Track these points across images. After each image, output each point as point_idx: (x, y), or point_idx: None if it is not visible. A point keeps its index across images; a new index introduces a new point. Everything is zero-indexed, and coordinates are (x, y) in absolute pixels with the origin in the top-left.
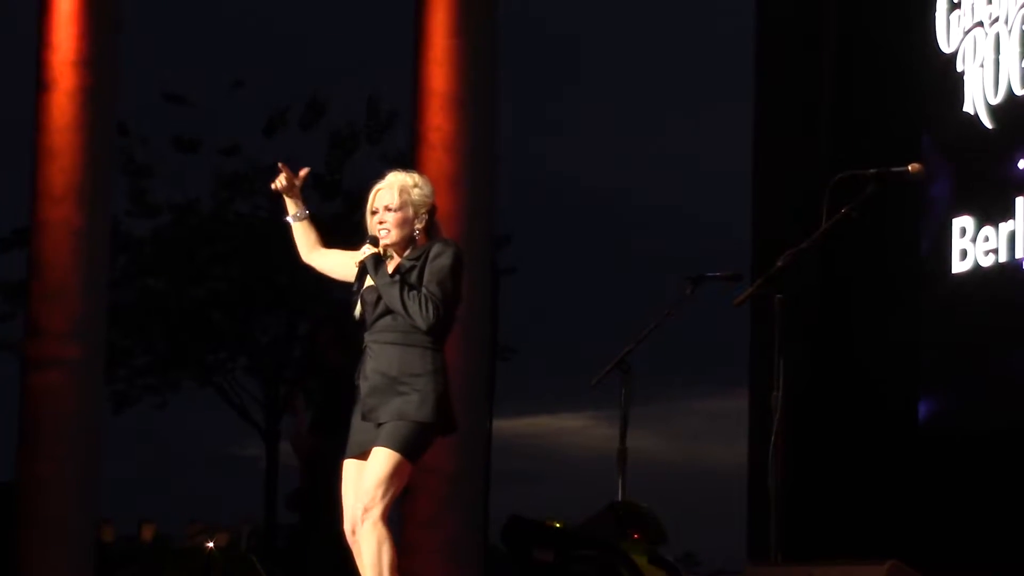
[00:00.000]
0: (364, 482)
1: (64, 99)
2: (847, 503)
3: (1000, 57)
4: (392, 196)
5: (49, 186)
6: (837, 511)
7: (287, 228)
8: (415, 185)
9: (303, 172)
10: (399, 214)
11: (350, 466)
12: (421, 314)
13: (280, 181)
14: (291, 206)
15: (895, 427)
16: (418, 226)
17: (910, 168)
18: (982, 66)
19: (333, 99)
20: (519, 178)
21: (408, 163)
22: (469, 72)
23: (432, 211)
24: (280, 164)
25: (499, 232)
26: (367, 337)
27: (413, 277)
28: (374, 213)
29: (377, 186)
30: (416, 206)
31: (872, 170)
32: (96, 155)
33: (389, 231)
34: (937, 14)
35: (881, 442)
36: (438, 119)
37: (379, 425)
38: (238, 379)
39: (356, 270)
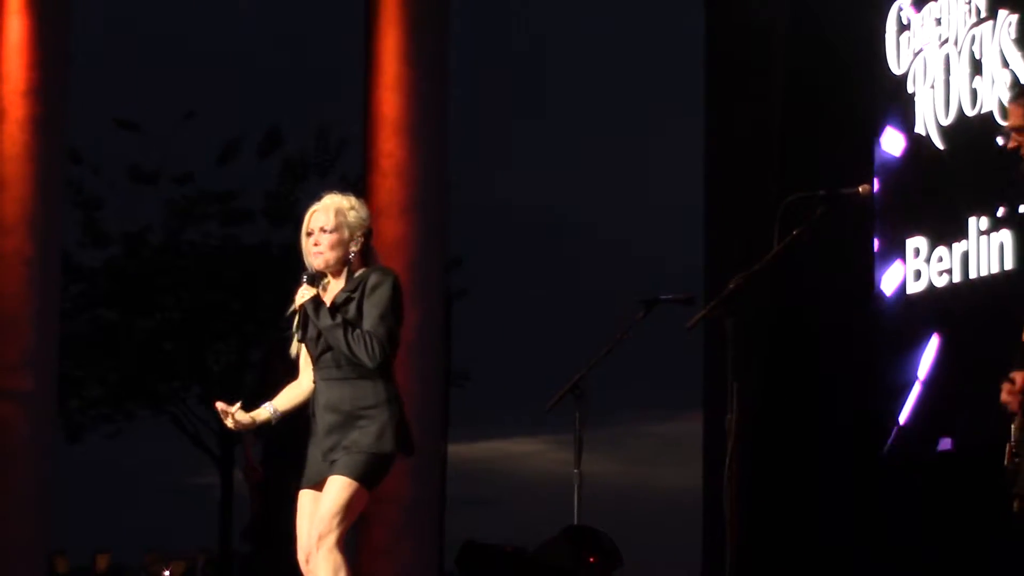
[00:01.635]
0: (320, 509)
1: (14, 128)
2: (802, 528)
3: (951, 78)
4: (328, 218)
5: (0, 217)
6: (792, 536)
7: (241, 258)
8: (351, 207)
9: (233, 409)
10: (334, 236)
11: (306, 496)
12: (368, 354)
13: (231, 423)
14: (264, 416)
15: (851, 450)
16: (353, 249)
17: (860, 189)
18: (932, 87)
19: (284, 126)
20: (470, 202)
21: (360, 189)
22: (421, 98)
23: (368, 234)
24: (217, 406)
25: (450, 254)
26: (315, 372)
27: (351, 309)
28: (309, 235)
29: (313, 207)
30: (352, 228)
31: (822, 192)
32: (47, 185)
33: (323, 252)
34: (887, 35)
35: (837, 466)
36: (389, 145)
37: (334, 461)
38: (191, 408)
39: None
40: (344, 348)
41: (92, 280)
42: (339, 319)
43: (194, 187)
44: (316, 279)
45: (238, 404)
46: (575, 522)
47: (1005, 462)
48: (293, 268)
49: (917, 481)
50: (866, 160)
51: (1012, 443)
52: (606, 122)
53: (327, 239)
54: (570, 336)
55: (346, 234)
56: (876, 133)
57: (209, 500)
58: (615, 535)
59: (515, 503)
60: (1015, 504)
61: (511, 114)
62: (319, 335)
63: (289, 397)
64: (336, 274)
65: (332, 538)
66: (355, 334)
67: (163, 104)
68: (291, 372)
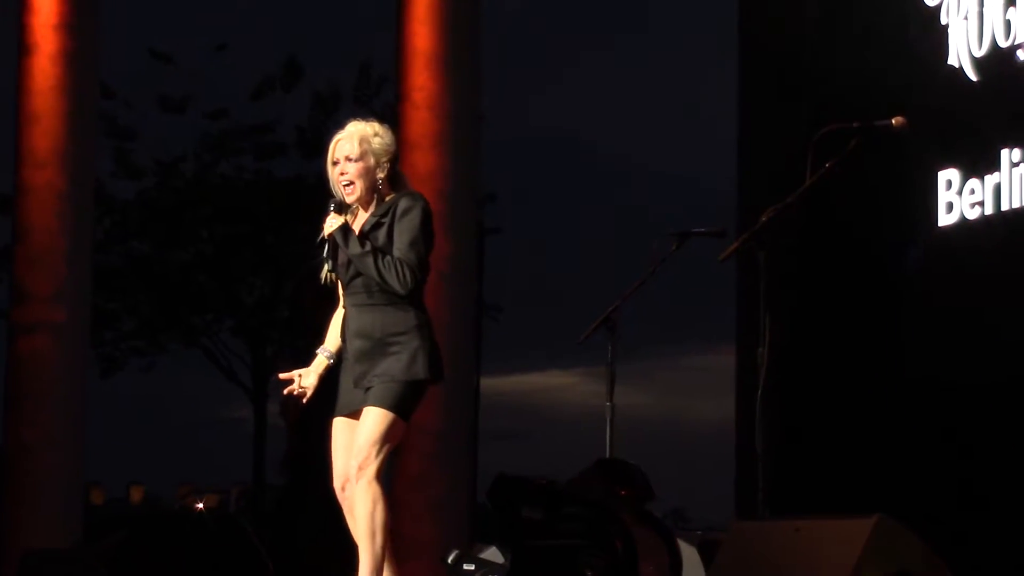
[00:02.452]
0: (357, 440)
1: (46, 62)
2: (834, 458)
3: (984, 9)
4: (352, 146)
5: (32, 150)
6: (824, 466)
7: (274, 191)
8: (375, 134)
9: (295, 374)
10: (360, 164)
11: (339, 424)
12: (399, 281)
13: (299, 388)
14: (324, 365)
15: (882, 381)
16: (380, 175)
17: (893, 122)
18: (966, 18)
19: (314, 60)
20: (505, 136)
21: (392, 122)
22: (453, 31)
23: (394, 160)
24: (280, 376)
25: (483, 191)
26: (345, 299)
27: (381, 235)
28: (335, 164)
29: (337, 136)
30: (377, 155)
31: (856, 124)
32: (79, 118)
33: (352, 183)
34: None
35: (868, 396)
36: (422, 78)
37: (368, 389)
38: (224, 341)
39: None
40: (375, 275)
41: (125, 212)
42: (368, 246)
43: (228, 121)
44: (344, 207)
45: (297, 372)
46: (607, 455)
47: None
48: (325, 201)
49: (948, 409)
50: (899, 93)
51: None
52: (640, 52)
53: (353, 168)
54: (603, 269)
55: (372, 161)
56: (909, 65)
57: (242, 433)
58: (647, 468)
59: (547, 436)
60: None
61: (545, 42)
62: (349, 262)
63: (336, 334)
64: (366, 202)
65: (371, 469)
66: (385, 261)
67: (195, 36)
68: (321, 304)
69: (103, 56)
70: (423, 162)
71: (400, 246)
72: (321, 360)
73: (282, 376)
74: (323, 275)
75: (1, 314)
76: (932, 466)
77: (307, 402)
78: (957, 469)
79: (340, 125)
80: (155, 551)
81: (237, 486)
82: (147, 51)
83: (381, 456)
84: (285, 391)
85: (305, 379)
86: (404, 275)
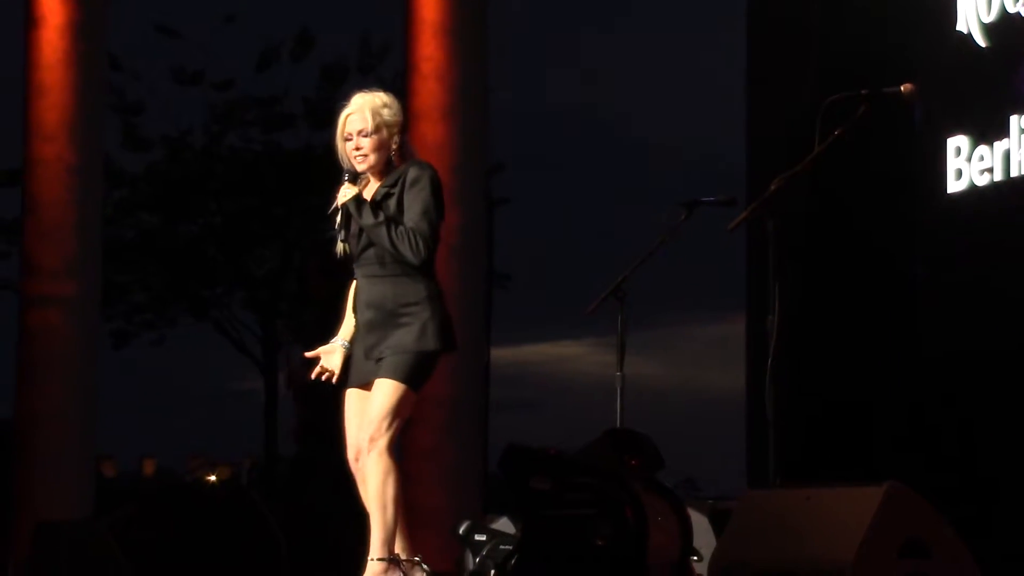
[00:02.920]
0: (369, 412)
1: (53, 35)
2: (845, 426)
3: None
4: (364, 120)
5: (41, 123)
6: (835, 434)
7: (282, 163)
8: (384, 105)
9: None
10: (374, 138)
11: (351, 395)
12: (412, 251)
13: (324, 371)
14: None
15: (892, 348)
16: (394, 146)
17: (902, 88)
18: None
19: (323, 30)
20: (514, 107)
21: (400, 92)
22: (461, 1)
23: (403, 129)
24: (306, 355)
25: (492, 160)
26: (356, 269)
27: (391, 204)
28: (347, 139)
29: (346, 111)
30: (390, 127)
31: (864, 91)
32: (87, 91)
33: (367, 156)
34: None
35: (878, 364)
36: (430, 48)
37: (380, 360)
38: (235, 313)
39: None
40: (388, 245)
41: (134, 185)
42: (382, 217)
43: (235, 91)
44: (357, 177)
45: (323, 350)
46: (617, 425)
47: None
48: (334, 173)
49: (960, 376)
50: (908, 60)
51: None
52: (647, 19)
53: (368, 142)
54: (612, 239)
55: (385, 134)
56: (918, 31)
57: (253, 405)
58: (658, 438)
59: (558, 406)
60: None
61: (550, 12)
62: (361, 232)
63: (349, 324)
64: (378, 172)
65: (383, 441)
66: (399, 231)
67: (202, 8)
68: (327, 278)
69: (111, 28)
70: (431, 133)
71: (411, 216)
72: (339, 349)
73: (308, 355)
74: (339, 248)
75: (12, 287)
76: (943, 433)
77: (320, 377)
78: (969, 436)
79: (347, 97)
80: (167, 524)
81: (248, 458)
82: (153, 27)
83: (393, 428)
84: (313, 374)
85: (329, 360)
86: (417, 244)
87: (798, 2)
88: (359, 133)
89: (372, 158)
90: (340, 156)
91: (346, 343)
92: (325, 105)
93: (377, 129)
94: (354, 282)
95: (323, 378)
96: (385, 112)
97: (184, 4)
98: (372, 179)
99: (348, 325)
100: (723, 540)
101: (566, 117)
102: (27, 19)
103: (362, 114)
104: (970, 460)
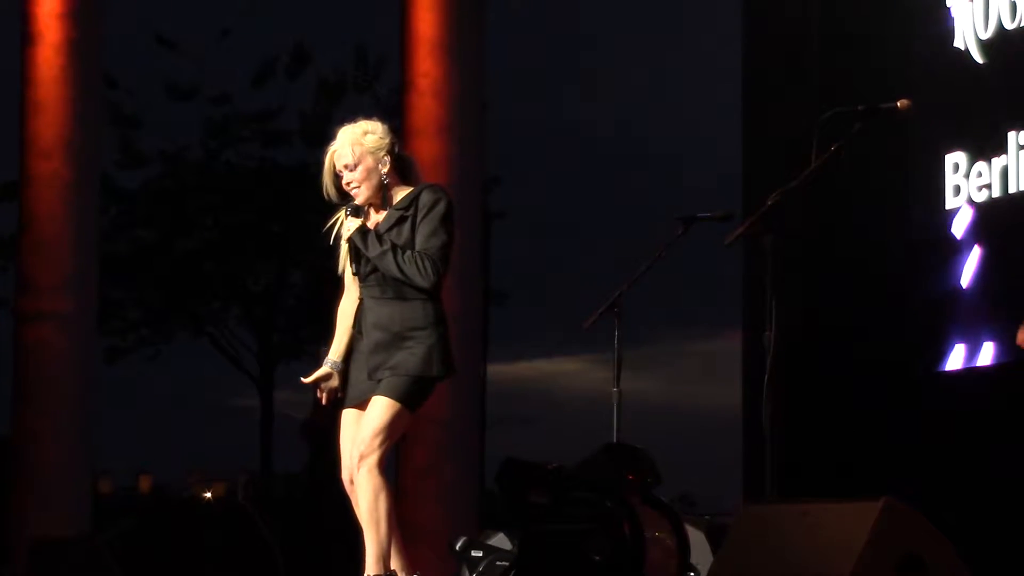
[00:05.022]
0: (362, 430)
1: (50, 52)
2: (841, 442)
3: None
4: (348, 153)
5: (37, 140)
6: (831, 450)
7: (279, 179)
8: (365, 132)
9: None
10: (361, 169)
11: (349, 416)
12: (421, 275)
13: (325, 393)
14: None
15: (888, 364)
16: (383, 170)
17: (899, 104)
18: (972, 0)
19: (320, 46)
20: (510, 119)
21: (396, 108)
22: (457, 17)
23: (392, 150)
24: (304, 381)
25: (488, 175)
26: (362, 290)
27: (406, 228)
28: (339, 176)
29: (331, 148)
30: (374, 151)
31: (861, 107)
32: (84, 107)
33: (359, 187)
34: None
35: (875, 379)
36: (426, 65)
37: (380, 380)
38: (231, 329)
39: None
40: (396, 272)
41: (130, 201)
42: (388, 244)
43: (231, 107)
44: (359, 209)
45: (319, 375)
46: (614, 440)
47: None
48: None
49: (955, 395)
50: (905, 75)
51: None
52: (644, 36)
53: (355, 175)
54: (609, 255)
55: (371, 161)
56: (915, 48)
57: (249, 421)
58: (654, 453)
59: (554, 422)
60: None
61: (545, 29)
62: (366, 257)
63: (342, 337)
64: (377, 200)
65: (373, 459)
66: (405, 256)
67: (198, 23)
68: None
69: (107, 45)
70: (428, 149)
71: (421, 239)
72: (330, 369)
73: (305, 381)
74: (340, 265)
75: (7, 304)
76: (938, 449)
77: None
78: (963, 451)
79: (349, 114)
80: (164, 540)
81: (244, 474)
82: (153, 38)
83: (384, 446)
84: (323, 402)
85: (328, 384)
86: (425, 268)
87: (795, 19)
88: (346, 168)
89: (364, 188)
90: (325, 190)
91: (338, 363)
92: (321, 121)
93: (360, 159)
94: (357, 300)
95: (324, 401)
96: (367, 139)
97: (180, 19)
98: (374, 207)
99: (340, 343)
100: (719, 556)
101: (562, 131)
102: (24, 36)
103: (344, 148)
104: (967, 475)
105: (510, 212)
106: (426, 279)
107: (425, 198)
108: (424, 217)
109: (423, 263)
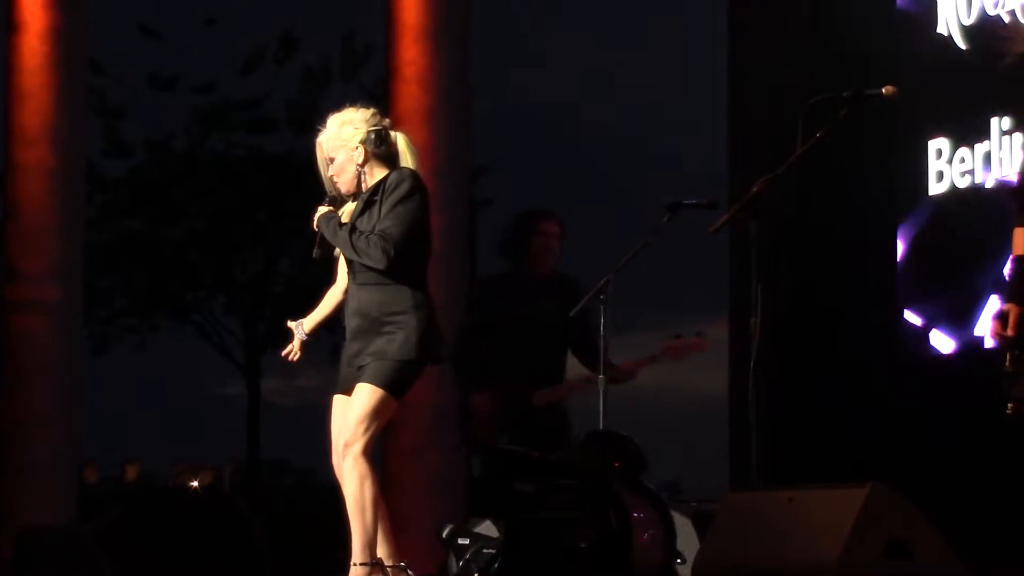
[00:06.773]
0: (347, 418)
1: (35, 40)
2: (827, 428)
3: None
4: (328, 145)
5: (22, 128)
6: (818, 436)
7: (265, 166)
8: (341, 123)
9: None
10: (338, 160)
11: (337, 402)
12: (376, 256)
13: (294, 350)
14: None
15: (875, 350)
16: (359, 159)
17: (884, 91)
18: None
19: (306, 34)
20: (497, 109)
21: (383, 96)
22: (442, 5)
23: (370, 140)
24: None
25: (475, 163)
26: (348, 278)
27: (375, 212)
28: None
29: (318, 139)
30: (347, 140)
31: (846, 93)
32: (69, 96)
33: (338, 178)
34: None
35: (861, 365)
36: (411, 53)
37: (362, 367)
38: (218, 317)
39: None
40: (354, 255)
41: (116, 190)
42: (347, 226)
43: (217, 95)
44: (336, 200)
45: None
46: (600, 427)
47: (1006, 365)
48: (317, 176)
49: (945, 382)
50: (890, 62)
51: (1016, 351)
52: (629, 21)
53: (335, 167)
54: (595, 242)
55: (343, 154)
56: (899, 34)
57: (236, 410)
58: (641, 440)
59: None
60: (1009, 408)
61: (528, 10)
62: None
63: (322, 310)
64: (357, 188)
65: (358, 446)
66: (361, 238)
67: (184, 11)
68: None
69: (92, 33)
70: (414, 137)
71: (378, 220)
72: (299, 338)
73: (284, 354)
74: (315, 252)
75: None
76: (925, 435)
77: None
78: (950, 438)
79: (335, 102)
80: (151, 529)
81: (231, 463)
82: (137, 27)
83: (369, 433)
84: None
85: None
86: (380, 248)
87: (780, 4)
88: (328, 159)
89: (343, 178)
90: (324, 181)
91: (302, 328)
92: (308, 109)
93: (335, 150)
94: (338, 285)
95: (291, 358)
96: (343, 132)
97: (165, 8)
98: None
99: (313, 316)
100: (706, 542)
101: (546, 117)
102: (8, 24)
103: (326, 140)
104: (954, 461)
105: (498, 198)
106: (381, 259)
107: (390, 180)
108: (386, 199)
109: (378, 243)
